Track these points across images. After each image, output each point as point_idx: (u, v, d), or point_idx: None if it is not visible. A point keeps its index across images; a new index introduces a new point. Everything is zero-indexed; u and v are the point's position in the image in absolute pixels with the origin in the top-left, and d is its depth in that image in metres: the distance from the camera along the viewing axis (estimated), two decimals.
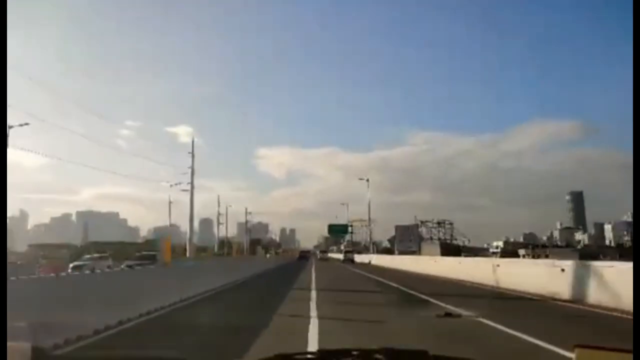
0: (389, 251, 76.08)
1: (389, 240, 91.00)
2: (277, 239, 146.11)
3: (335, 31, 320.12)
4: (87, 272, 16.91)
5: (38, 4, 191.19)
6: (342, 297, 12.97)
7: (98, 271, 15.97)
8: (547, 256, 55.76)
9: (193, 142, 45.33)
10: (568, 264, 11.92)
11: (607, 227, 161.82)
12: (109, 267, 26.32)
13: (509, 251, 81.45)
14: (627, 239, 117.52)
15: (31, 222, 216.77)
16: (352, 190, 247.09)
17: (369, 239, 73.88)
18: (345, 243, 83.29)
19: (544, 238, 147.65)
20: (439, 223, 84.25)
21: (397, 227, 79.45)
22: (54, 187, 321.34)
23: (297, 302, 11.48)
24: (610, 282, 9.92)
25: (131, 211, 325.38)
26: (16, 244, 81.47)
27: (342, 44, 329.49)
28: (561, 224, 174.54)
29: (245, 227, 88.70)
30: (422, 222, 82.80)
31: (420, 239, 78.64)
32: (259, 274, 25.94)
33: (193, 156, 42.69)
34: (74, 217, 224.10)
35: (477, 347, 5.99)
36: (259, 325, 7.38)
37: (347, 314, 9.09)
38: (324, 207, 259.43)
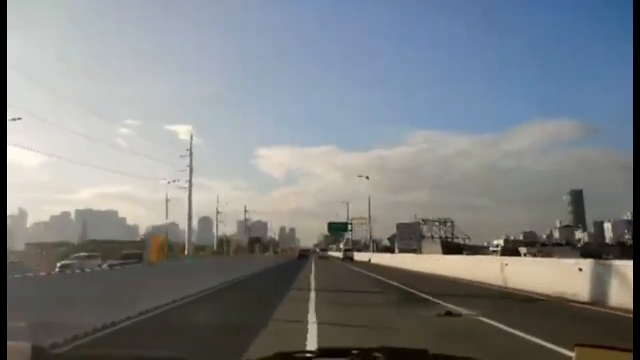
0: (388, 249, 75.68)
1: (389, 239, 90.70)
2: (277, 237, 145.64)
3: (335, 31, 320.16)
4: (77, 271, 16.22)
5: (38, 4, 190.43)
6: (342, 297, 12.79)
7: (88, 270, 15.33)
8: (549, 255, 55.01)
9: (191, 139, 44.87)
10: (586, 263, 11.19)
11: (607, 226, 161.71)
12: (98, 266, 25.83)
13: (509, 249, 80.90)
14: (627, 237, 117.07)
15: (30, 221, 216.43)
16: (352, 190, 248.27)
17: (368, 237, 73.45)
18: (344, 241, 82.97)
19: (544, 236, 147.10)
20: (440, 221, 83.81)
21: (399, 225, 79.18)
22: (54, 186, 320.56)
23: (295, 302, 11.34)
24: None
25: (130, 210, 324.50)
26: (15, 242, 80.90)
27: (342, 44, 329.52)
28: (560, 222, 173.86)
29: (245, 225, 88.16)
30: (423, 220, 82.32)
31: (421, 237, 78.16)
32: (258, 272, 25.61)
33: (191, 153, 42.30)
34: (73, 216, 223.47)
35: (477, 346, 5.90)
36: (257, 324, 7.24)
37: (346, 311, 9.06)
38: (323, 206, 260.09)
